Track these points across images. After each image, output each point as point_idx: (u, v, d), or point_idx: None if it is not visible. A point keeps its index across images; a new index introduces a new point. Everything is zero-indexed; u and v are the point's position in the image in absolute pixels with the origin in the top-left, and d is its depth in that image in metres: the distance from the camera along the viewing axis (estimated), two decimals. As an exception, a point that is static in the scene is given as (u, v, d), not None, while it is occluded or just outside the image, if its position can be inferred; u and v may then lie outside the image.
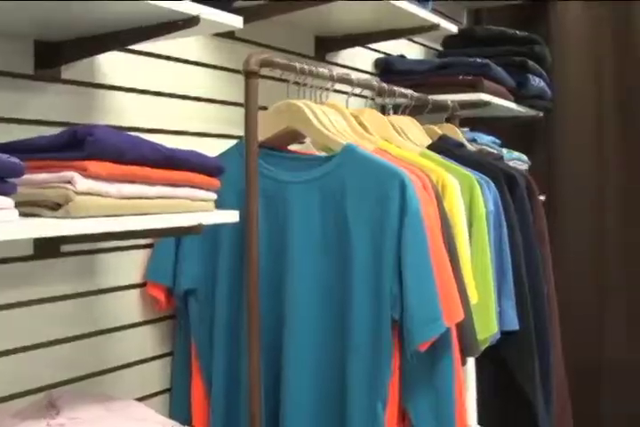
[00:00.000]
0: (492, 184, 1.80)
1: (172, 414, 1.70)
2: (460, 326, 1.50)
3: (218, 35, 1.77)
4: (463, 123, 2.51)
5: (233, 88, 1.82)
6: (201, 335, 1.64)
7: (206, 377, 1.65)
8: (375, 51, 2.47)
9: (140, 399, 1.63)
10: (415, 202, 1.41)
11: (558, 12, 2.99)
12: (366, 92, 2.02)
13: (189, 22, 1.26)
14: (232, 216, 1.33)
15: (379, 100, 2.20)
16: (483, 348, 1.73)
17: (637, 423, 2.94)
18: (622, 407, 2.94)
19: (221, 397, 1.61)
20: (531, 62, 2.60)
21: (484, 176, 1.79)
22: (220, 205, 1.31)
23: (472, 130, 2.56)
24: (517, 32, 2.69)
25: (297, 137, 1.65)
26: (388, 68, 2.44)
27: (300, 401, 1.53)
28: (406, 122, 1.94)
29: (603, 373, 2.95)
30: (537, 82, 2.64)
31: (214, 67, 1.80)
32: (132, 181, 1.11)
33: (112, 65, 1.54)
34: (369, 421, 1.47)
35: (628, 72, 2.93)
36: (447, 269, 1.46)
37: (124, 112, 1.57)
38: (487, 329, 1.71)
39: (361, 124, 1.71)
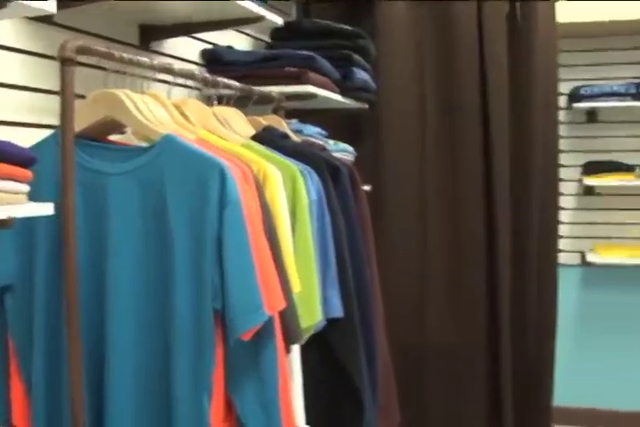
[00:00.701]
0: (315, 174, 1.82)
1: (-8, 417, 1.63)
2: (282, 314, 1.51)
3: (35, 19, 1.70)
4: (292, 114, 2.54)
5: (49, 75, 1.75)
6: (19, 333, 1.58)
7: (26, 376, 1.58)
8: (203, 41, 2.45)
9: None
10: (235, 192, 1.41)
11: (384, 8, 3.07)
12: (192, 83, 2.00)
13: (-5, 5, 1.21)
14: (46, 208, 1.28)
15: (205, 90, 2.19)
16: (307, 335, 1.76)
17: (456, 412, 3.08)
18: (444, 394, 3.08)
19: (42, 396, 1.56)
20: (356, 55, 2.66)
21: (307, 166, 1.81)
22: (36, 197, 1.26)
23: (301, 121, 2.59)
24: (343, 26, 2.74)
25: (117, 127, 1.62)
26: (214, 59, 2.43)
27: (124, 396, 1.50)
28: (231, 113, 1.94)
29: (426, 361, 3.07)
30: (362, 75, 2.70)
31: (30, 53, 1.73)
32: None
33: None
34: (195, 413, 1.46)
35: (449, 70, 3.05)
36: (268, 258, 1.47)
37: None
38: (311, 317, 1.74)
39: (183, 114, 1.69)
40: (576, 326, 4.17)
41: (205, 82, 1.88)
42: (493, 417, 3.15)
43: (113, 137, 1.69)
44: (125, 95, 1.54)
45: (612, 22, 3.65)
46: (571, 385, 4.00)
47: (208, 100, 2.02)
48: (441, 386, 3.08)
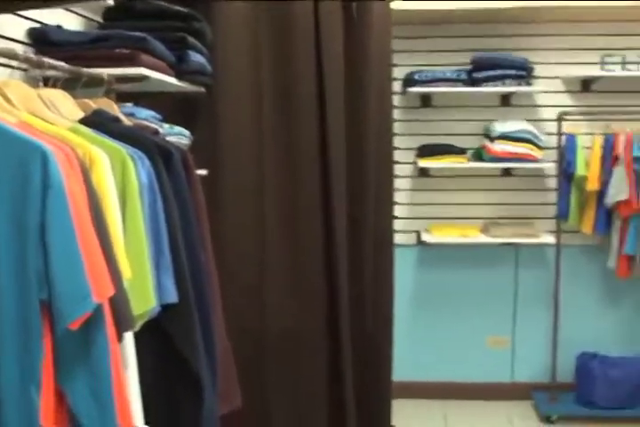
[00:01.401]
0: (147, 159, 1.79)
1: None
2: (112, 301, 1.49)
3: None
4: (127, 97, 2.48)
5: None
6: None
7: None
8: (30, 20, 2.35)
9: None
10: (57, 176, 1.37)
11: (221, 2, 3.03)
12: (16, 64, 1.92)
13: None
14: None
15: (31, 72, 2.10)
16: (141, 322, 1.74)
17: (298, 394, 3.13)
18: (286, 377, 3.11)
19: None
20: (191, 38, 2.62)
21: (137, 151, 1.78)
22: None
23: (136, 105, 2.54)
24: (179, 8, 2.69)
25: None
26: (42, 39, 2.33)
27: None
28: (58, 95, 1.87)
29: (268, 345, 3.09)
30: (197, 58, 2.67)
31: None
32: None
33: None
34: (23, 405, 1.42)
35: (285, 60, 3.06)
36: (95, 245, 1.43)
37: None
38: (145, 303, 1.71)
39: (4, 96, 1.62)
40: (412, 303, 4.33)
41: (29, 62, 1.81)
42: (335, 395, 3.22)
43: None
44: (-62, 76, 1.46)
45: (445, 11, 3.79)
46: (408, 360, 4.16)
47: (34, 82, 1.95)
48: (283, 369, 3.11)
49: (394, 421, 3.50)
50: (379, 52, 3.23)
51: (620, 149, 3.90)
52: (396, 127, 3.85)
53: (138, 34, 2.35)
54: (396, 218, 3.89)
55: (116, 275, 1.52)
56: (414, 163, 4.15)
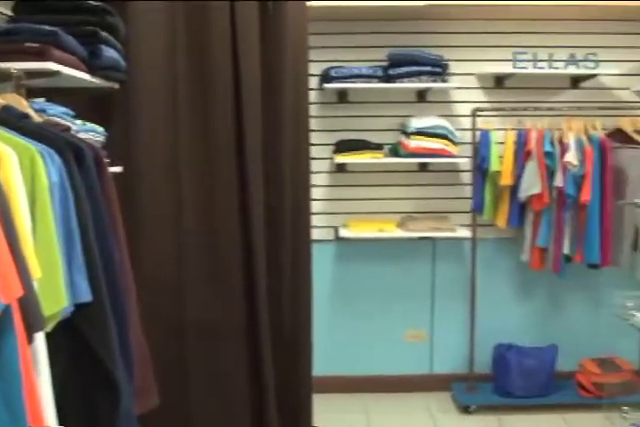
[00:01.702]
0: (57, 156, 1.76)
1: None
2: (21, 302, 1.46)
3: None
4: (40, 93, 2.42)
5: None
6: None
7: None
8: None
9: None
10: (-38, 176, 1.34)
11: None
12: None
13: None
14: None
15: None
16: (53, 323, 1.71)
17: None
18: (205, 373, 3.10)
19: None
20: (103, 33, 2.57)
21: (47, 148, 1.74)
22: None
23: (49, 101, 2.48)
24: (90, 2, 2.64)
25: None
26: (-53, 33, 2.27)
27: None
28: (-37, 91, 1.82)
29: (187, 340, 3.07)
30: (110, 53, 2.62)
31: None
32: None
33: None
34: None
35: (201, 52, 3.03)
36: (1, 244, 1.40)
37: None
38: (56, 303, 1.68)
39: None
40: (330, 298, 4.36)
41: None
42: (255, 393, 3.22)
43: None
44: None
45: (361, 7, 3.81)
46: (327, 354, 4.18)
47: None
48: (202, 366, 3.09)
49: (314, 416, 3.51)
50: (295, 48, 3.23)
51: (532, 144, 4.00)
52: (313, 123, 3.86)
53: (48, 28, 2.29)
54: (314, 213, 3.90)
55: (25, 275, 1.49)
56: (331, 159, 4.17)
